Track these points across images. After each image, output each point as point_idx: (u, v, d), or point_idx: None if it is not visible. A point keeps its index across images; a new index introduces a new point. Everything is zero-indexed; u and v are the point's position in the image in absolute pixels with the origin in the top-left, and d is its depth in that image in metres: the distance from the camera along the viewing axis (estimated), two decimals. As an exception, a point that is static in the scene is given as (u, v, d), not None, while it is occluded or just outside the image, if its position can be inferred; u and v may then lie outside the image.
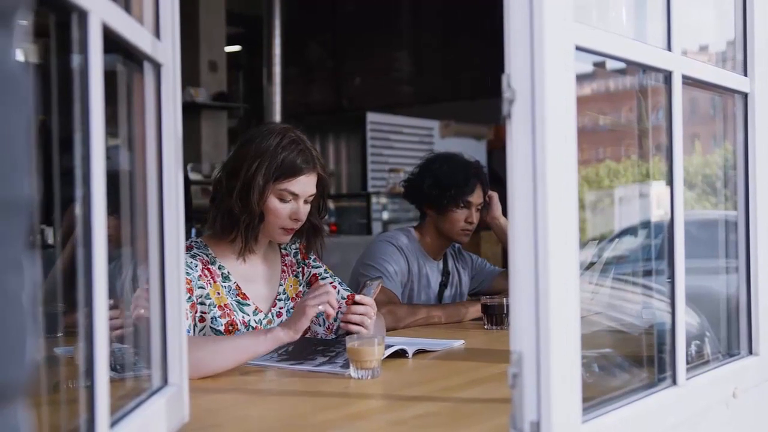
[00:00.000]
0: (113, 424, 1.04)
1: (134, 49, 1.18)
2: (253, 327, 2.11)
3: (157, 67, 1.30)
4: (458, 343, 2.26)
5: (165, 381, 1.32)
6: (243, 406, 1.61)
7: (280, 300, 2.23)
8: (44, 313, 1.02)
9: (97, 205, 0.97)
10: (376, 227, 7.16)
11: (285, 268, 2.27)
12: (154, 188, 1.30)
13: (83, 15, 0.95)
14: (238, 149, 2.14)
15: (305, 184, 2.10)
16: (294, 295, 2.26)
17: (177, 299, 1.33)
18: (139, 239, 1.33)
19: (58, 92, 0.99)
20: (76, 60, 0.97)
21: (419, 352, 2.09)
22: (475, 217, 2.90)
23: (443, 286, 3.02)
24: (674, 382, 1.44)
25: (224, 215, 2.10)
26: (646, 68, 1.49)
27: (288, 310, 2.22)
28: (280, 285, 2.24)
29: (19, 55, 0.54)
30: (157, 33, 1.30)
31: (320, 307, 1.89)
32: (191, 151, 6.98)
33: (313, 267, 2.32)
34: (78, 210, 0.98)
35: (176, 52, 1.34)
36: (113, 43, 1.06)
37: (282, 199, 2.09)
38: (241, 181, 2.06)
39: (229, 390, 1.76)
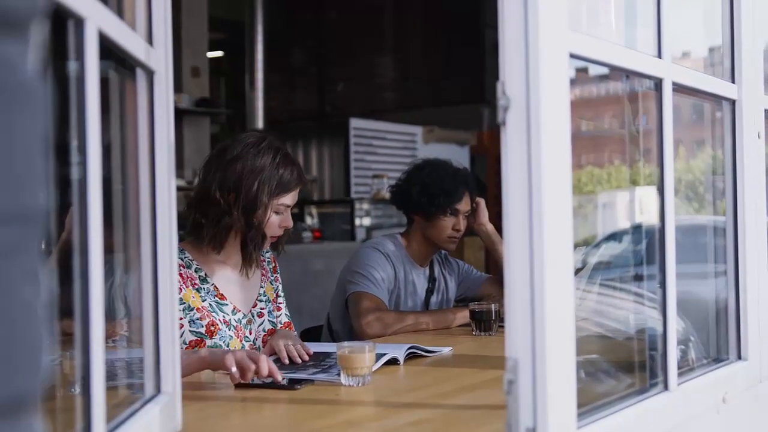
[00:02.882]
0: (108, 433, 1.03)
1: (128, 56, 1.18)
2: (234, 326, 2.17)
3: (150, 74, 1.29)
4: (446, 350, 2.26)
5: (158, 390, 1.31)
6: (236, 414, 1.60)
7: (261, 300, 2.30)
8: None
9: (93, 212, 0.96)
10: (360, 233, 7.14)
11: (264, 272, 2.35)
12: (146, 195, 1.29)
13: (80, 22, 0.95)
14: (229, 164, 2.14)
15: (295, 196, 2.23)
16: (271, 299, 2.34)
17: (170, 308, 1.32)
18: (131, 246, 1.32)
19: (53, 98, 0.98)
20: (71, 66, 0.96)
21: (411, 357, 2.09)
22: (463, 225, 2.90)
23: (429, 292, 3.01)
24: (666, 387, 1.45)
25: (224, 231, 2.14)
26: (637, 75, 1.50)
27: (269, 311, 2.30)
28: (261, 287, 2.31)
29: (34, 65, 0.54)
30: (150, 40, 1.29)
31: (233, 369, 1.71)
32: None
33: (279, 282, 2.41)
34: (69, 217, 0.97)
35: (169, 59, 1.34)
36: (106, 49, 1.06)
37: (277, 212, 2.19)
38: (243, 199, 2.12)
39: (222, 398, 1.75)
